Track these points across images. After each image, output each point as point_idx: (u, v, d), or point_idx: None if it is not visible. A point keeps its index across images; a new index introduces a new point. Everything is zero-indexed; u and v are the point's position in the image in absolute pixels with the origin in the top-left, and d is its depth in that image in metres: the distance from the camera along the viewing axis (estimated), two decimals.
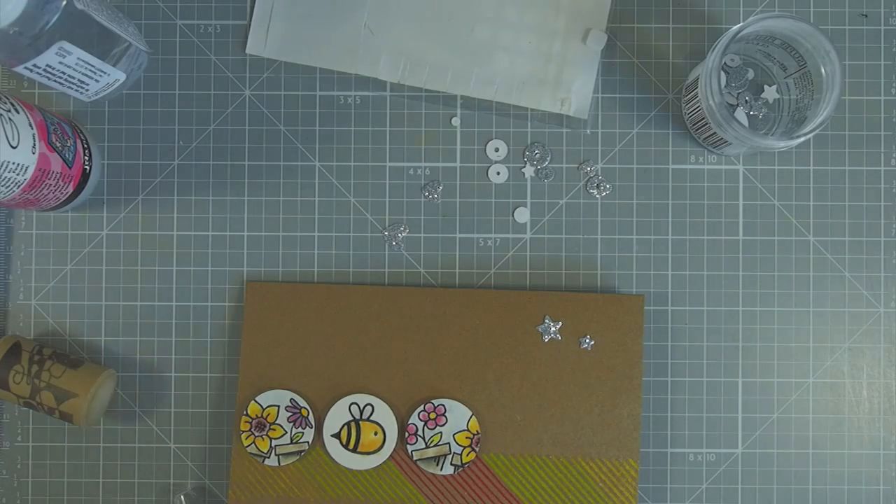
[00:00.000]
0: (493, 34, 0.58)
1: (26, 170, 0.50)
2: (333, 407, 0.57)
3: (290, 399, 0.57)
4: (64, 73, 0.52)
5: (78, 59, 0.52)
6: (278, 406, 0.57)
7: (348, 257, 0.59)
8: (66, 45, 0.50)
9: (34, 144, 0.51)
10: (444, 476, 0.57)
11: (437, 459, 0.56)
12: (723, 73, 0.58)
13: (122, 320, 0.59)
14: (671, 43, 0.59)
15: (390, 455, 0.57)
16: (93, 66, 0.53)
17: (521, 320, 0.57)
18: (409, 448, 0.57)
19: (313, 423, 0.57)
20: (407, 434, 0.57)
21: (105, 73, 0.55)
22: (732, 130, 0.52)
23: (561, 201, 0.59)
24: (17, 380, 0.55)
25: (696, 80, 0.53)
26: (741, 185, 0.59)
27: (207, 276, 0.59)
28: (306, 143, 0.59)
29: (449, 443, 0.56)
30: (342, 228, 0.59)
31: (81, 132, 0.57)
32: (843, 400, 0.58)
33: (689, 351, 0.58)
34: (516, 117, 0.59)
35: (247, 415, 0.57)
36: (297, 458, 0.57)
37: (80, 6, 0.49)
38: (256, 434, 0.57)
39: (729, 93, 0.58)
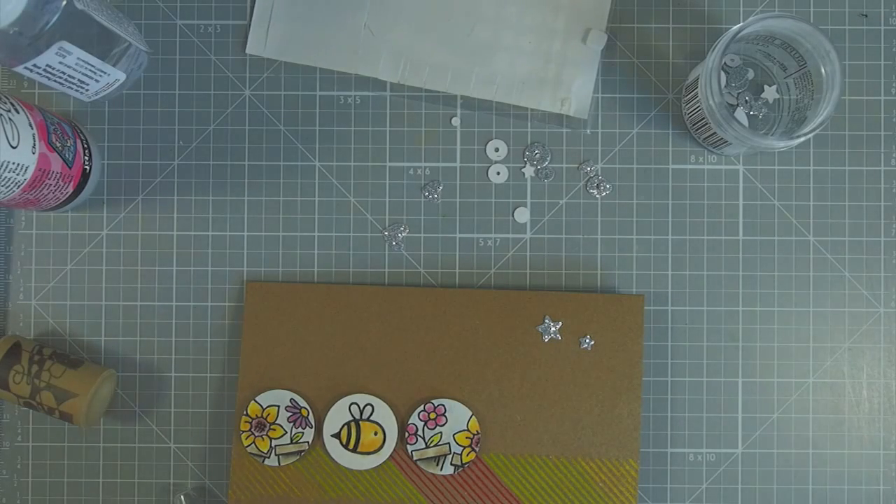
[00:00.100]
0: (493, 34, 0.58)
1: (26, 170, 0.50)
2: (333, 407, 0.57)
3: (290, 399, 0.57)
4: (64, 73, 0.52)
5: (78, 59, 0.52)
6: (278, 406, 0.57)
7: (348, 257, 0.59)
8: (66, 45, 0.50)
9: (34, 144, 0.51)
10: (444, 476, 0.57)
11: (437, 459, 0.56)
12: (723, 73, 0.58)
13: (122, 320, 0.59)
14: (671, 43, 0.59)
15: (390, 455, 0.57)
16: (93, 66, 0.53)
17: (521, 320, 0.57)
18: (409, 448, 0.57)
19: (313, 423, 0.57)
20: (407, 434, 0.57)
21: (105, 73, 0.55)
22: (732, 130, 0.52)
23: (561, 201, 0.59)
24: (17, 380, 0.55)
25: (696, 80, 0.53)
26: (741, 185, 0.59)
27: (207, 276, 0.59)
28: (306, 143, 0.59)
29: (449, 443, 0.56)
30: (342, 228, 0.59)
31: (81, 132, 0.57)
32: (843, 400, 0.58)
33: (689, 351, 0.58)
34: (516, 117, 0.59)
35: (247, 415, 0.57)
36: (297, 458, 0.57)
37: (80, 6, 0.49)
38: (256, 434, 0.57)
39: (729, 93, 0.58)
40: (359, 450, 0.57)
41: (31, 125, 0.51)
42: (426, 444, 0.56)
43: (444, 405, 0.57)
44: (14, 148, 0.49)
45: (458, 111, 0.59)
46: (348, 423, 0.57)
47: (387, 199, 0.59)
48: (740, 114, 0.57)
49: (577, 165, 0.59)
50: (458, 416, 0.56)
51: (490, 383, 0.57)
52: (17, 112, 0.50)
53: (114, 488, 0.58)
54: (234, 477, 0.57)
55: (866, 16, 0.59)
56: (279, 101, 0.59)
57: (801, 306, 0.58)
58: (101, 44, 0.53)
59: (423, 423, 0.56)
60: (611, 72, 0.59)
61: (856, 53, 0.59)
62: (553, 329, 0.57)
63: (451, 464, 0.56)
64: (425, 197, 0.59)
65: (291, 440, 0.57)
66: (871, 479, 0.58)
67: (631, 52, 0.59)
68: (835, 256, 0.58)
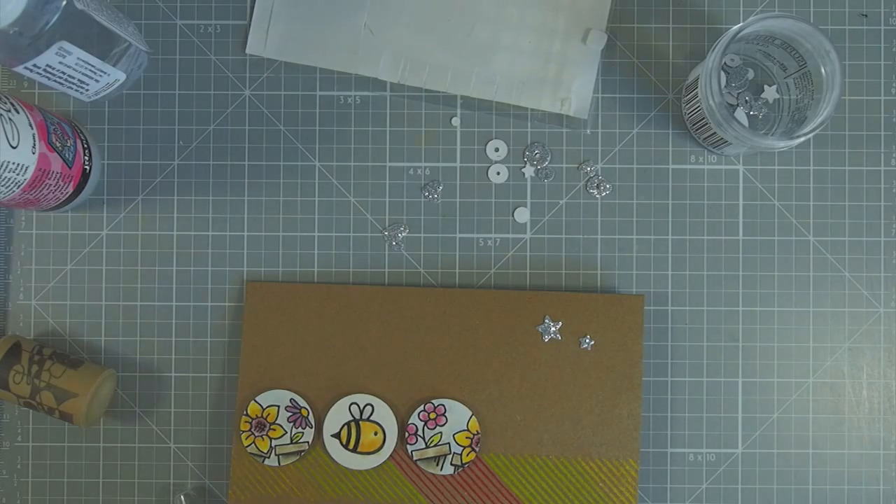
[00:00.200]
0: (493, 34, 0.58)
1: (26, 170, 0.50)
2: (333, 407, 0.57)
3: (290, 399, 0.57)
4: (64, 73, 0.52)
5: (78, 59, 0.52)
6: (278, 406, 0.57)
7: (348, 257, 0.59)
8: (66, 45, 0.50)
9: (34, 144, 0.51)
10: (444, 476, 0.57)
11: (437, 459, 0.56)
12: (723, 73, 0.58)
13: (122, 320, 0.59)
14: (671, 43, 0.59)
15: (390, 455, 0.57)
16: (93, 66, 0.53)
17: (521, 320, 0.57)
18: (409, 448, 0.57)
19: (313, 423, 0.57)
20: (407, 434, 0.57)
21: (105, 73, 0.55)
22: (732, 130, 0.52)
23: (561, 201, 0.59)
24: (17, 380, 0.55)
25: (696, 80, 0.53)
26: (741, 185, 0.59)
27: (207, 276, 0.59)
28: (306, 143, 0.59)
29: (449, 443, 0.56)
30: (342, 228, 0.59)
31: (81, 132, 0.57)
32: (843, 400, 0.58)
33: (689, 351, 0.58)
34: (516, 117, 0.59)
35: (247, 415, 0.57)
36: (297, 458, 0.57)
37: (80, 6, 0.49)
38: (256, 434, 0.57)
39: (729, 93, 0.58)
40: (359, 450, 0.57)
41: (31, 125, 0.51)
42: (426, 444, 0.56)
43: (444, 405, 0.57)
44: (14, 148, 0.49)
45: (458, 111, 0.59)
46: (348, 423, 0.57)
47: (387, 199, 0.59)
48: (740, 114, 0.57)
49: (577, 165, 0.59)
50: (458, 416, 0.56)
51: (490, 383, 0.57)
52: (17, 112, 0.50)
53: (114, 488, 0.58)
54: (234, 477, 0.57)
55: (866, 16, 0.59)
56: (279, 101, 0.59)
57: (801, 306, 0.58)
58: (101, 44, 0.53)
59: (423, 423, 0.56)
60: (611, 72, 0.59)
61: (856, 53, 0.59)
62: (553, 329, 0.57)
63: (451, 464, 0.56)
64: (425, 197, 0.59)
65: (291, 440, 0.57)
66: (871, 479, 0.58)
67: (631, 52, 0.59)
68: (835, 256, 0.58)
